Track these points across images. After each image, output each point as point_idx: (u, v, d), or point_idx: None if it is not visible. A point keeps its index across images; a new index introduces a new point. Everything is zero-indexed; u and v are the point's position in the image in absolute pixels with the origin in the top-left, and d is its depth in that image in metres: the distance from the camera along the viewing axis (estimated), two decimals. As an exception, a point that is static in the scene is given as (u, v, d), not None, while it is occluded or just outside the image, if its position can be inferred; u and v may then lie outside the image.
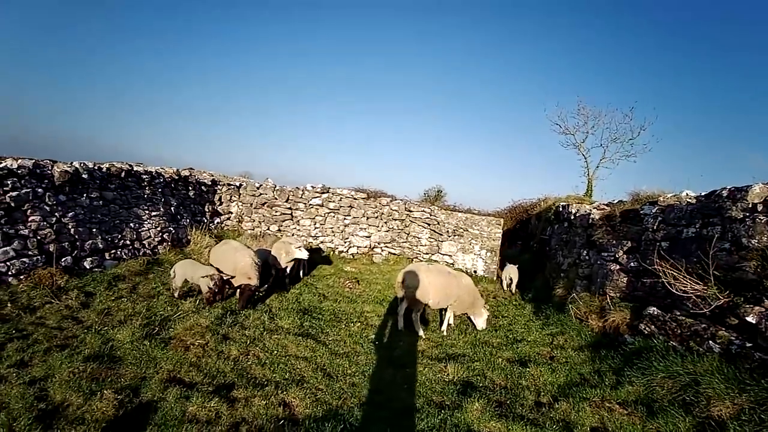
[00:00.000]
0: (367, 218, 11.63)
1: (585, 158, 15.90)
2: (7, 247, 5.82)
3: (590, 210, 7.67)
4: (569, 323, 6.54)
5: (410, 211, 11.48)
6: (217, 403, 3.57)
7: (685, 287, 4.33)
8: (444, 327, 6.45)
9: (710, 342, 4.09)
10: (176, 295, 6.58)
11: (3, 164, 5.94)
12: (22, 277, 5.93)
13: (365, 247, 11.50)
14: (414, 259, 11.06)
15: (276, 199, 12.22)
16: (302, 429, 3.25)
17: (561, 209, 10.07)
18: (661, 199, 5.55)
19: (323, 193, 12.00)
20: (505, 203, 19.18)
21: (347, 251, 11.54)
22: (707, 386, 3.72)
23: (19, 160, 6.40)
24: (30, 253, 6.18)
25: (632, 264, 5.75)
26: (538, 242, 12.87)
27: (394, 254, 11.36)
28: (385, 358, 5.04)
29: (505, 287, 9.93)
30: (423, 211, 11.40)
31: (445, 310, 6.49)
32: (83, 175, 7.50)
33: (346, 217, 11.76)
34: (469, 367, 4.91)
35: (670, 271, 4.47)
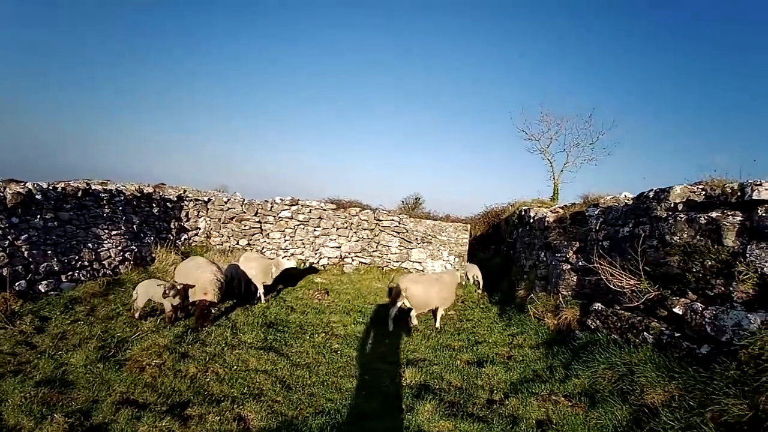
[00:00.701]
0: (337, 229, 11.72)
1: (550, 163, 16.59)
2: (-49, 274, 5.60)
3: (546, 213, 8.06)
4: (528, 323, 6.82)
5: (379, 221, 11.66)
6: (169, 422, 3.57)
7: (620, 283, 4.66)
8: (438, 324, 7.22)
9: (645, 333, 4.40)
10: (137, 315, 6.44)
11: (-54, 188, 5.74)
12: (-31, 304, 5.70)
13: (336, 257, 11.57)
14: (384, 268, 11.21)
15: (245, 212, 12.14)
16: (254, 441, 3.30)
17: (523, 213, 10.49)
18: (602, 201, 5.94)
19: (292, 205, 12.02)
20: (480, 209, 19.64)
21: (318, 262, 11.57)
22: (641, 375, 4.00)
23: (-35, 183, 6.19)
24: (-22, 278, 5.95)
25: (580, 263, 6.09)
26: (506, 246, 13.30)
27: (365, 264, 11.47)
28: (345, 367, 5.13)
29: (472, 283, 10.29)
30: (392, 220, 11.60)
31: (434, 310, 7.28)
32: (37, 196, 7.29)
33: (316, 229, 11.81)
34: (428, 370, 5.06)
35: (607, 268, 4.80)
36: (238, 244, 12.02)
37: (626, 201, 5.66)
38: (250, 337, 5.90)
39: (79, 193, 8.38)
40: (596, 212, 6.00)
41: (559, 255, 6.87)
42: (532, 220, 9.05)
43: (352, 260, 11.59)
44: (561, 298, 6.35)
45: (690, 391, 3.58)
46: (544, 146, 16.57)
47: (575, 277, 6.20)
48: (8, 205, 6.59)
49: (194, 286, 6.35)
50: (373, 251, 11.55)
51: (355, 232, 11.66)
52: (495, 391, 4.53)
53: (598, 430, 3.70)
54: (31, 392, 3.84)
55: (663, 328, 4.24)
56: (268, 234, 12.01)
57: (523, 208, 10.59)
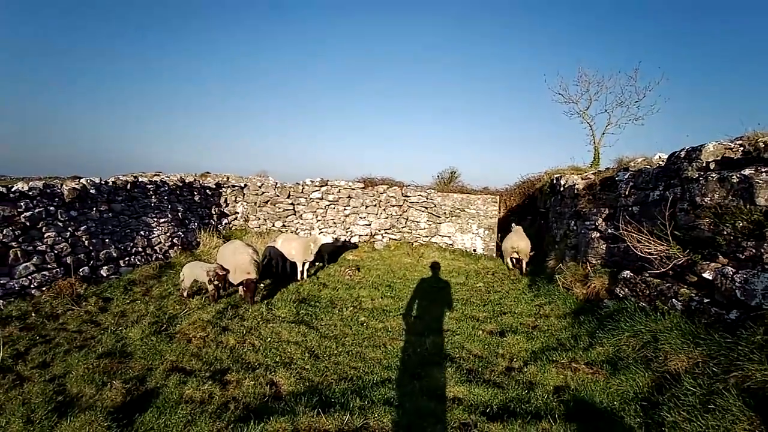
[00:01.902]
0: (366, 207, 11.94)
1: (590, 126, 15.51)
2: (27, 263, 6.42)
3: (576, 180, 7.72)
4: (556, 293, 6.73)
5: (407, 197, 11.71)
6: (211, 385, 4.00)
7: (649, 249, 4.46)
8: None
9: (673, 300, 4.24)
10: (185, 294, 7.08)
11: (15, 188, 6.51)
12: (44, 288, 6.54)
13: (366, 235, 11.84)
14: (413, 243, 11.34)
15: (278, 196, 12.65)
16: (282, 403, 3.64)
17: (555, 182, 10.09)
18: (632, 165, 5.61)
19: (322, 186, 12.35)
20: (515, 179, 18.99)
21: (349, 240, 11.91)
22: (665, 342, 3.91)
23: (30, 183, 6.97)
24: (49, 266, 6.79)
25: (609, 231, 5.86)
26: (539, 216, 12.91)
27: (395, 240, 11.66)
28: (371, 338, 5.39)
29: (508, 261, 9.86)
30: (419, 195, 11.61)
31: None
32: (91, 191, 8.06)
33: (346, 208, 12.10)
34: (450, 340, 5.21)
35: (635, 234, 4.60)
36: (273, 225, 12.63)
37: (659, 163, 5.31)
38: (284, 312, 6.32)
39: (128, 186, 9.15)
40: (626, 176, 5.68)
41: (588, 223, 6.62)
42: (562, 189, 8.72)
43: (382, 237, 11.81)
44: (590, 267, 6.18)
45: (714, 357, 3.47)
46: (583, 108, 15.48)
47: (604, 245, 5.99)
48: (66, 200, 7.36)
49: (228, 271, 6.87)
50: (402, 227, 11.68)
51: (384, 209, 11.82)
52: (515, 359, 4.60)
53: (618, 396, 3.69)
54: (93, 363, 4.42)
55: (692, 294, 4.06)
56: (301, 215, 12.48)
57: (555, 176, 10.18)
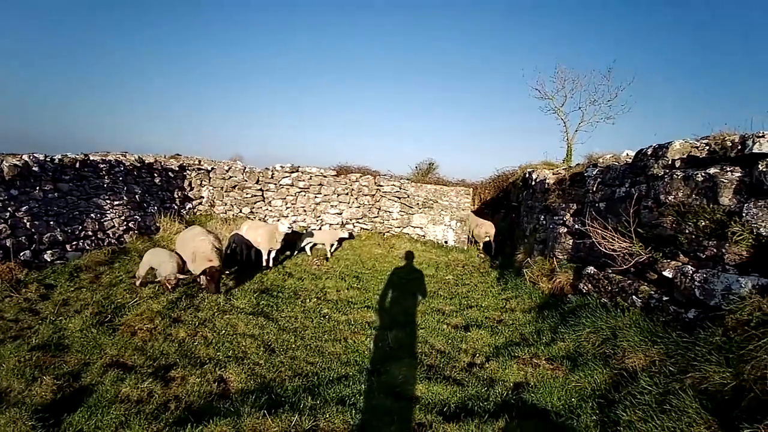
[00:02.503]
0: (338, 195, 11.64)
1: (564, 123, 15.72)
2: (-45, 245, 5.80)
3: (547, 175, 7.72)
4: (523, 287, 6.74)
5: (380, 186, 11.49)
6: (152, 383, 3.69)
7: (613, 246, 4.45)
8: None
9: (633, 297, 4.25)
10: (138, 283, 6.59)
11: (-61, 162, 5.83)
12: (-24, 273, 5.94)
13: (337, 224, 11.56)
14: (385, 234, 11.17)
15: (246, 181, 12.14)
16: (228, 403, 3.39)
17: (527, 176, 10.12)
18: (601, 161, 5.60)
19: (293, 172, 11.93)
20: (491, 173, 19.12)
21: (319, 229, 11.60)
22: (623, 339, 3.90)
23: (-40, 157, 6.28)
24: (-17, 249, 6.17)
25: (576, 226, 5.86)
26: (511, 210, 13.01)
27: (366, 229, 11.45)
28: (332, 331, 5.19)
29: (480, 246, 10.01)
30: (393, 185, 11.41)
31: None
32: (34, 168, 7.39)
33: (317, 195, 11.75)
34: (414, 334, 5.08)
35: (600, 230, 4.58)
36: (241, 212, 12.13)
37: (627, 160, 5.31)
38: (243, 303, 6.01)
39: (77, 165, 8.46)
40: (594, 172, 5.68)
41: (557, 218, 6.63)
42: (534, 183, 8.73)
43: (353, 226, 11.57)
44: (556, 262, 6.19)
45: (672, 356, 3.46)
46: (558, 105, 15.68)
47: (571, 241, 6.00)
48: (6, 178, 6.70)
49: (194, 261, 6.38)
50: (375, 217, 11.48)
51: (356, 198, 11.56)
52: (477, 355, 4.52)
53: (576, 393, 3.66)
54: (25, 356, 4.02)
55: (652, 292, 4.07)
56: (269, 202, 12.04)
57: (528, 170, 10.21)
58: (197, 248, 6.72)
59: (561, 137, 15.80)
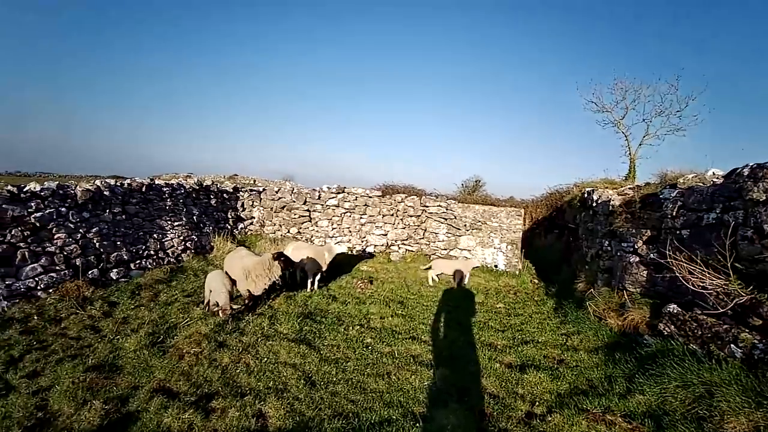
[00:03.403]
0: (383, 216, 11.50)
1: (625, 137, 14.59)
2: (35, 264, 6.36)
3: (610, 196, 6.99)
4: (587, 321, 6.04)
5: (426, 207, 11.19)
6: (192, 413, 3.64)
7: (702, 282, 3.78)
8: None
9: (732, 346, 3.54)
10: (206, 309, 6.50)
11: (26, 188, 6.49)
12: (50, 290, 6.45)
13: (382, 245, 11.39)
14: (431, 256, 10.78)
15: (294, 201, 12.42)
16: (266, 442, 3.22)
17: (586, 196, 9.32)
18: (681, 181, 4.89)
19: (339, 193, 12.02)
20: (542, 191, 18.13)
21: (364, 250, 11.49)
22: (722, 398, 3.23)
23: (45, 183, 6.97)
24: (57, 268, 6.71)
25: (652, 255, 5.15)
26: (568, 232, 12.06)
27: (412, 251, 11.14)
28: (374, 364, 4.91)
29: (430, 279, 9.30)
30: (439, 206, 11.06)
31: None
32: (105, 193, 8.03)
33: (362, 216, 11.70)
34: (462, 373, 4.65)
35: (685, 263, 3.92)
36: (288, 232, 12.39)
37: (714, 180, 4.59)
38: (286, 328, 5.94)
39: (143, 188, 9.11)
40: (673, 194, 4.97)
41: (625, 245, 5.91)
42: (594, 204, 7.97)
43: (399, 248, 11.32)
44: (627, 296, 5.47)
45: (789, 425, 2.78)
46: (618, 117, 14.61)
47: (645, 272, 5.28)
48: (79, 202, 7.32)
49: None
50: (420, 238, 11.15)
51: (401, 219, 11.34)
52: (537, 404, 4.00)
53: (663, 464, 3.06)
54: (80, 377, 4.17)
55: (756, 341, 3.36)
56: (316, 222, 12.18)
57: (586, 189, 9.40)
58: (246, 266, 6.86)
59: (622, 152, 14.62)
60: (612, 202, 6.79)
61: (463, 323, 6.58)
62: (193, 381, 4.32)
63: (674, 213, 4.79)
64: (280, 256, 6.57)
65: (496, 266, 10.41)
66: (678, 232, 4.62)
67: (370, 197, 11.72)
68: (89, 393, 3.95)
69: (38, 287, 6.32)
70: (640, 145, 14.20)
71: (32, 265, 6.31)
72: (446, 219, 10.99)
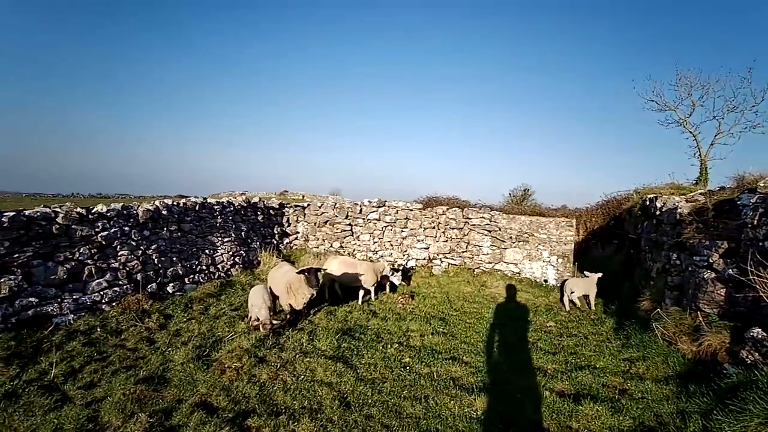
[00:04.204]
0: (424, 229, 11.28)
1: (693, 136, 13.23)
2: (101, 279, 6.93)
3: (677, 203, 6.24)
4: (653, 346, 5.37)
5: (468, 219, 10.81)
6: (229, 431, 3.66)
7: (798, 305, 3.17)
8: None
9: (843, 384, 2.89)
10: (250, 325, 6.65)
11: (94, 209, 7.14)
12: (114, 303, 6.99)
13: (423, 258, 11.14)
14: (475, 270, 10.34)
15: (336, 216, 12.61)
16: (296, 468, 3.13)
17: (648, 203, 8.45)
18: (762, 185, 4.21)
19: (380, 206, 12.01)
20: (598, 198, 16.94)
21: (406, 264, 11.31)
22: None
23: (111, 205, 7.64)
24: (120, 282, 7.28)
25: (730, 271, 4.46)
26: (629, 243, 11.01)
27: (454, 265, 10.77)
28: (412, 386, 4.68)
29: (566, 302, 8.43)
30: (482, 217, 10.63)
31: None
32: (163, 212, 8.65)
33: (404, 230, 11.57)
34: (506, 400, 4.28)
35: (773, 282, 3.32)
36: (331, 246, 12.57)
37: (807, 183, 3.90)
38: (325, 344, 5.91)
39: (197, 207, 9.71)
40: (753, 200, 4.29)
41: (698, 258, 5.20)
42: (658, 212, 7.18)
43: (441, 261, 11.00)
44: (701, 317, 4.78)
45: None
46: (683, 116, 13.29)
47: (723, 290, 4.59)
48: (140, 221, 7.93)
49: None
50: (463, 252, 10.76)
51: (443, 232, 11.04)
52: (594, 440, 3.55)
53: None
54: (131, 389, 4.38)
55: None
56: (358, 236, 12.24)
57: (648, 196, 8.53)
58: (289, 281, 6.99)
59: (691, 153, 13.24)
60: (679, 210, 6.05)
61: (510, 343, 6.15)
62: (232, 397, 4.38)
63: (755, 222, 4.11)
64: (306, 272, 6.62)
65: (545, 281, 9.73)
66: (761, 243, 3.95)
67: (411, 210, 11.57)
68: (137, 405, 4.13)
69: (103, 301, 6.87)
70: (711, 144, 12.78)
71: (98, 280, 6.88)
72: (490, 231, 10.52)
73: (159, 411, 4.08)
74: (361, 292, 8.40)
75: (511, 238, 10.17)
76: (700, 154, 13.07)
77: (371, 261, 10.63)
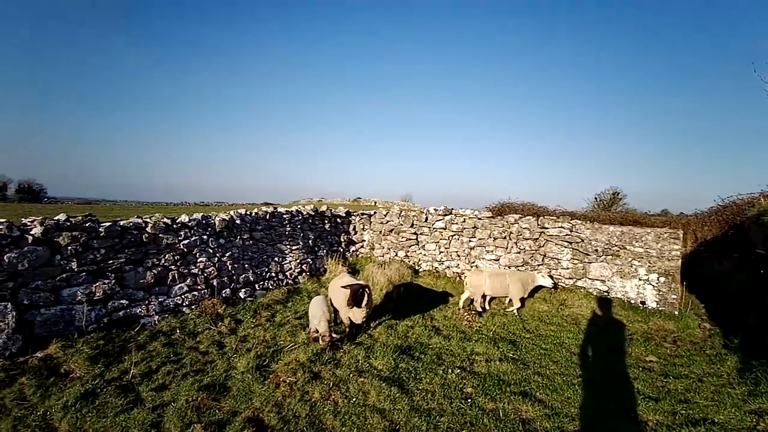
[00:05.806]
0: (494, 239, 10.44)
1: None
2: (182, 284, 7.53)
3: (835, 214, 4.74)
4: (800, 401, 4.09)
5: (544, 228, 9.72)
6: (273, 456, 3.53)
7: None
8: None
9: None
10: (310, 337, 6.56)
11: (178, 219, 7.81)
12: (192, 307, 7.55)
13: (493, 271, 10.28)
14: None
15: (401, 224, 12.35)
16: None
17: (786, 211, 6.68)
18: None
19: (446, 215, 11.47)
20: (711, 203, 14.32)
21: (474, 276, 10.57)
22: None
23: (193, 215, 8.32)
24: (199, 287, 7.85)
25: None
26: (754, 258, 8.92)
27: (529, 280, 9.74)
28: (472, 424, 4.13)
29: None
30: (560, 227, 9.48)
31: None
32: (237, 221, 9.20)
33: (471, 239, 10.86)
34: (591, 456, 3.52)
35: None
36: (396, 255, 12.33)
37: None
38: (381, 363, 5.62)
39: (267, 216, 10.19)
40: None
41: None
42: (805, 224, 5.58)
43: (513, 275, 10.05)
44: None
45: None
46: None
47: None
48: (217, 230, 8.51)
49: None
50: (539, 265, 9.70)
51: (515, 243, 10.10)
52: None
53: None
54: (194, 396, 4.54)
55: None
56: (423, 245, 11.83)
57: (787, 203, 6.75)
58: (344, 295, 6.86)
59: None
60: (837, 223, 4.59)
61: (596, 380, 5.22)
62: (282, 415, 4.30)
63: None
64: (349, 287, 6.34)
65: (642, 302, 8.27)
66: None
67: (479, 219, 10.82)
68: (196, 414, 4.25)
69: (184, 304, 7.44)
70: None
71: (180, 285, 7.48)
72: (570, 242, 9.33)
73: (214, 423, 4.14)
74: (517, 302, 8.41)
75: (596, 251, 8.88)
76: None
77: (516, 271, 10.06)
